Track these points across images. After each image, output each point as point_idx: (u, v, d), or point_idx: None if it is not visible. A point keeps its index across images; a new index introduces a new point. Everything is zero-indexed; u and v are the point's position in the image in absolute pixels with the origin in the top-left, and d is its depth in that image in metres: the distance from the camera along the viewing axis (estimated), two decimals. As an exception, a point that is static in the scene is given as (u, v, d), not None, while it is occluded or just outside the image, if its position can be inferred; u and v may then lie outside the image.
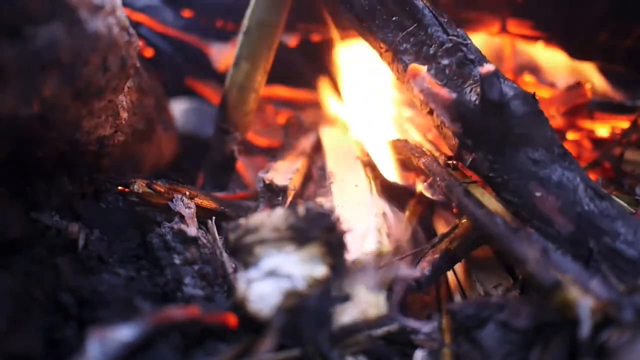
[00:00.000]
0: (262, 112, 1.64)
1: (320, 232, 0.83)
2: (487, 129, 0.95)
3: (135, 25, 0.97)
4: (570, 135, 1.47)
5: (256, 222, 0.85)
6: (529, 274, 0.82)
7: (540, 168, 0.93)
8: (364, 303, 0.87)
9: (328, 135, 1.45)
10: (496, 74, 0.92)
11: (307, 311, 0.81)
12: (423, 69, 1.02)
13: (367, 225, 1.03)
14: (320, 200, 1.19)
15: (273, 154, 1.52)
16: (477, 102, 0.95)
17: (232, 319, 0.82)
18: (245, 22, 1.26)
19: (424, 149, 1.17)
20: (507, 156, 0.95)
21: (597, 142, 1.48)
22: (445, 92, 0.98)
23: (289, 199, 1.17)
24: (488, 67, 0.92)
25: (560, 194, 0.91)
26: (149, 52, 1.56)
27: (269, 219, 0.85)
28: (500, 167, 0.96)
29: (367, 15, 1.09)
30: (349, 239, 0.93)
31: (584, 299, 0.77)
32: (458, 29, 1.03)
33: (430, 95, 1.01)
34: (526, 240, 0.85)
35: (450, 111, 0.98)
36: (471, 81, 0.98)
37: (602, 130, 1.46)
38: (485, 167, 0.98)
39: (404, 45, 1.06)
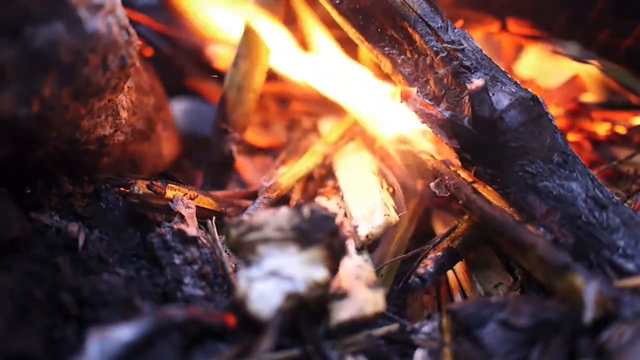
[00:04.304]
0: (264, 111, 1.64)
1: (323, 235, 0.83)
2: (483, 145, 0.96)
3: (135, 24, 0.97)
4: (571, 137, 1.47)
5: (260, 220, 0.85)
6: (537, 259, 0.83)
7: (538, 181, 0.93)
8: (362, 300, 0.87)
9: (327, 126, 1.45)
10: (485, 89, 0.92)
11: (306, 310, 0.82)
12: (413, 90, 1.02)
13: (374, 201, 1.11)
14: (320, 199, 1.19)
15: (274, 153, 1.52)
16: (470, 118, 0.95)
17: (231, 319, 0.82)
18: (244, 21, 1.26)
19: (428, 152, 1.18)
20: (504, 170, 0.95)
21: (597, 143, 1.48)
22: (438, 112, 0.98)
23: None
24: (477, 83, 0.92)
25: (559, 206, 0.91)
26: (148, 52, 1.56)
27: (273, 217, 0.85)
28: (500, 180, 0.97)
29: (362, 30, 1.08)
30: (360, 216, 1.07)
31: (590, 284, 0.78)
32: (456, 30, 1.02)
33: (424, 116, 1.01)
34: (533, 230, 0.87)
35: (446, 129, 0.99)
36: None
37: (602, 129, 1.46)
38: (486, 179, 0.99)
39: (402, 57, 1.06)
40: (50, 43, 0.75)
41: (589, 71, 1.44)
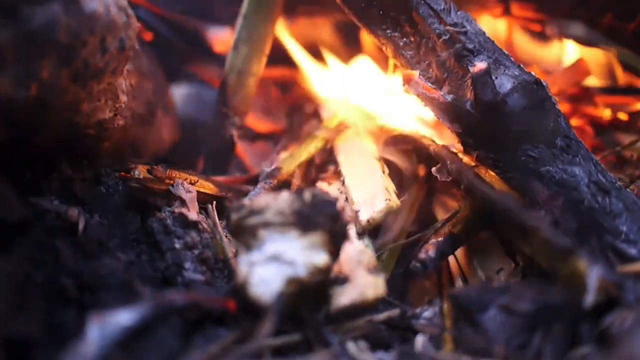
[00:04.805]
0: (265, 96, 1.63)
1: (324, 219, 0.83)
2: (485, 129, 0.95)
3: (135, 7, 0.96)
4: (574, 122, 1.46)
5: (261, 204, 0.84)
6: (540, 243, 0.83)
7: (540, 165, 0.93)
8: (363, 285, 0.87)
9: (328, 111, 1.44)
10: (488, 72, 0.91)
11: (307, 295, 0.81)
12: (415, 74, 1.02)
13: (375, 186, 1.11)
14: (321, 184, 1.19)
15: (275, 138, 1.52)
16: (472, 102, 0.94)
17: (232, 304, 0.82)
18: (244, 5, 1.25)
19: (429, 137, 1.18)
20: (506, 154, 0.95)
21: (600, 128, 1.47)
22: (440, 96, 0.98)
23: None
24: (479, 66, 0.91)
25: (561, 191, 0.91)
26: (148, 36, 1.55)
27: (274, 201, 0.84)
28: (503, 164, 0.96)
29: (364, 13, 1.07)
30: (361, 200, 1.08)
31: (594, 268, 0.78)
32: (459, 12, 1.01)
33: (427, 99, 1.01)
34: (536, 214, 0.88)
35: (448, 113, 0.98)
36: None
37: (605, 114, 1.45)
38: (489, 164, 0.99)
39: (404, 39, 1.05)
40: (47, 24, 0.74)
41: (593, 55, 1.43)
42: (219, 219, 1.03)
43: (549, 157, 0.92)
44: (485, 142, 0.97)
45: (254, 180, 1.23)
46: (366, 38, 1.57)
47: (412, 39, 1.04)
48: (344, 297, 0.86)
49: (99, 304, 0.81)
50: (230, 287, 0.90)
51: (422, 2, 1.00)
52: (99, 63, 0.84)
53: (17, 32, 0.72)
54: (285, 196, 0.85)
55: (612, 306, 0.78)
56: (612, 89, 1.48)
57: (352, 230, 1.00)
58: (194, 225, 0.99)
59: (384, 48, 1.08)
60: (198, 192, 1.08)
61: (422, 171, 1.25)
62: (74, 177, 1.01)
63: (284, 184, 1.19)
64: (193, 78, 1.66)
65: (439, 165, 1.07)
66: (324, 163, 1.29)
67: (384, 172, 1.15)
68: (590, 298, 0.77)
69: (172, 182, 1.06)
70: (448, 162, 1.04)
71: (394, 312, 0.92)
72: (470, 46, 0.98)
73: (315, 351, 0.81)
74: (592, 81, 1.49)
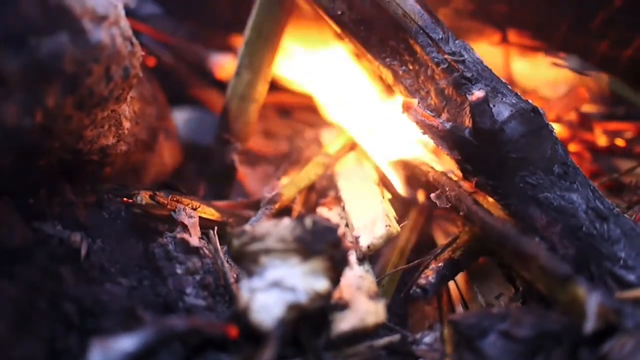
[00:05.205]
0: (266, 122, 1.65)
1: (325, 246, 0.83)
2: (484, 156, 0.96)
3: (138, 34, 0.97)
4: (572, 148, 1.47)
5: (262, 231, 0.85)
6: (539, 270, 0.83)
7: (538, 192, 0.93)
8: (363, 310, 0.88)
9: (329, 137, 1.46)
10: (486, 100, 0.93)
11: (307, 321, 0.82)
12: (414, 102, 1.03)
13: (375, 212, 1.11)
14: (322, 209, 1.20)
15: (276, 164, 1.53)
16: (470, 130, 0.95)
17: (233, 330, 0.82)
18: (247, 31, 1.27)
19: (429, 164, 1.19)
20: (505, 181, 0.95)
21: (597, 154, 1.48)
22: (439, 123, 0.99)
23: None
24: (477, 94, 0.92)
25: (560, 217, 0.91)
26: (151, 62, 1.57)
27: (275, 228, 0.85)
28: (501, 191, 0.97)
29: (363, 42, 1.09)
30: (361, 226, 1.08)
31: (593, 295, 0.78)
32: (457, 41, 1.02)
33: (426, 127, 1.02)
34: (534, 241, 0.89)
35: (447, 140, 0.99)
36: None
37: (602, 140, 1.46)
38: (488, 190, 0.99)
39: (403, 68, 1.06)
40: (54, 54, 0.75)
41: (589, 82, 1.45)
42: (221, 245, 1.04)
43: (546, 183, 0.93)
44: (484, 169, 0.97)
45: (255, 206, 1.23)
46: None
47: (411, 68, 1.05)
48: (344, 322, 0.86)
49: (101, 329, 0.81)
50: (231, 312, 0.90)
51: (421, 31, 1.02)
52: (104, 91, 0.86)
53: (24, 62, 0.73)
54: (286, 223, 0.85)
55: (611, 332, 0.79)
56: (610, 115, 1.49)
57: (352, 256, 1.00)
58: (196, 250, 0.99)
59: (383, 76, 1.10)
60: (200, 217, 1.09)
61: (422, 196, 1.26)
62: (76, 202, 1.02)
63: (285, 210, 1.19)
64: (195, 103, 1.67)
65: (438, 192, 1.08)
66: (325, 189, 1.30)
67: (384, 198, 1.16)
68: (590, 325, 0.77)
69: (174, 207, 1.06)
70: (447, 188, 1.06)
71: (395, 337, 0.92)
72: (469, 75, 0.99)
73: (316, 377, 0.81)
74: (589, 108, 1.50)
